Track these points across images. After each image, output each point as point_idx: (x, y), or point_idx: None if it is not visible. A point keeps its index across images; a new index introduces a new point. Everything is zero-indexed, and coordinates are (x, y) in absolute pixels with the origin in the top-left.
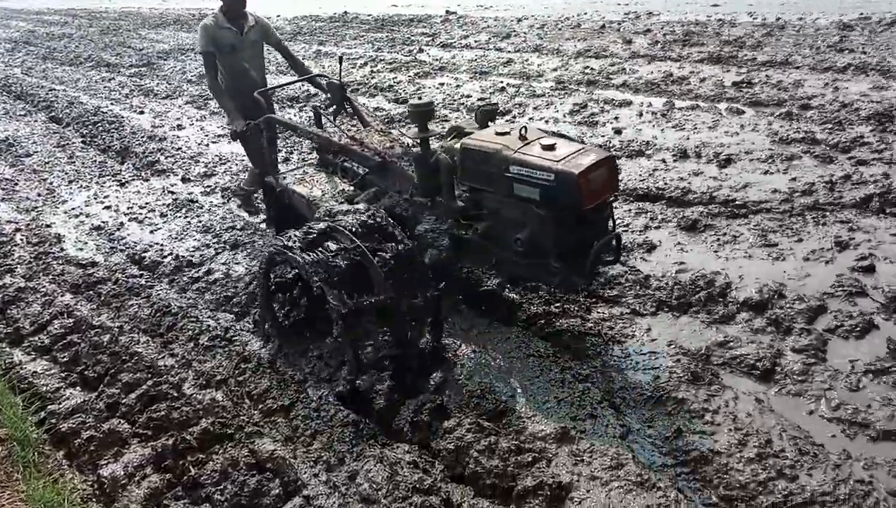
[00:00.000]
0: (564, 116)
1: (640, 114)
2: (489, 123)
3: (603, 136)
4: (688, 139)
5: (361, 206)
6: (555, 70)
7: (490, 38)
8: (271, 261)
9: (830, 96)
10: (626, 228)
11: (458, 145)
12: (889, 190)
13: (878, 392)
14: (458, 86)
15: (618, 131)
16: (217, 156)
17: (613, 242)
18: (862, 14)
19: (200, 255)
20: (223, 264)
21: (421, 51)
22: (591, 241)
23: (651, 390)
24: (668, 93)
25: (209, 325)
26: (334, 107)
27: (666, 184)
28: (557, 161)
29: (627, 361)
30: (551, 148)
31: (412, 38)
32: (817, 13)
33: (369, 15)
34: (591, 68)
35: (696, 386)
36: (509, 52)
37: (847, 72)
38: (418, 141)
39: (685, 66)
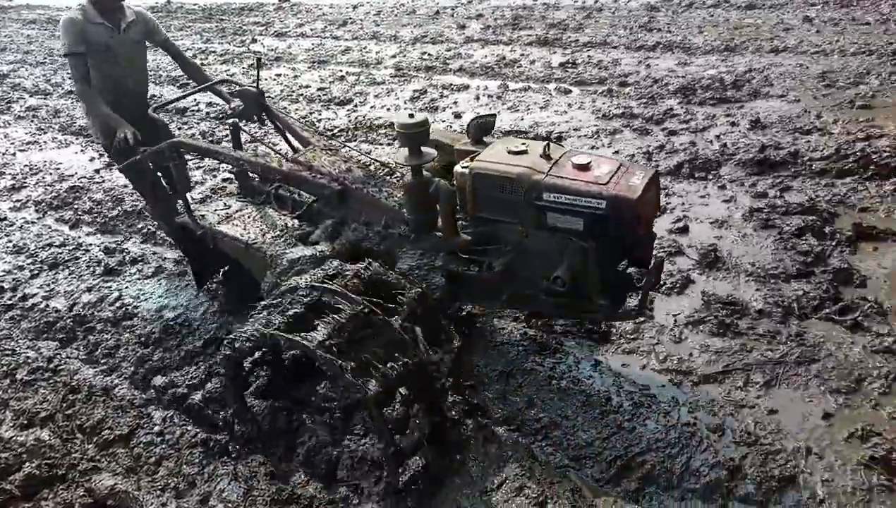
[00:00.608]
0: (405, 103)
1: (478, 98)
2: (483, 138)
3: (444, 121)
4: (522, 119)
5: (356, 267)
6: (393, 57)
7: (326, 26)
8: (243, 353)
9: (644, 73)
10: None
11: (462, 170)
12: (696, 156)
13: (696, 341)
14: (295, 76)
15: (457, 115)
16: (27, 166)
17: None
18: None
19: (13, 279)
20: (41, 287)
21: (254, 41)
22: (638, 267)
23: (503, 365)
24: (501, 75)
25: (28, 357)
26: (246, 121)
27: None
28: (605, 184)
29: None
30: (586, 168)
31: (244, 27)
32: None
33: (196, 4)
34: (429, 54)
35: (542, 355)
36: (347, 39)
37: (656, 50)
38: (409, 167)
39: (516, 49)
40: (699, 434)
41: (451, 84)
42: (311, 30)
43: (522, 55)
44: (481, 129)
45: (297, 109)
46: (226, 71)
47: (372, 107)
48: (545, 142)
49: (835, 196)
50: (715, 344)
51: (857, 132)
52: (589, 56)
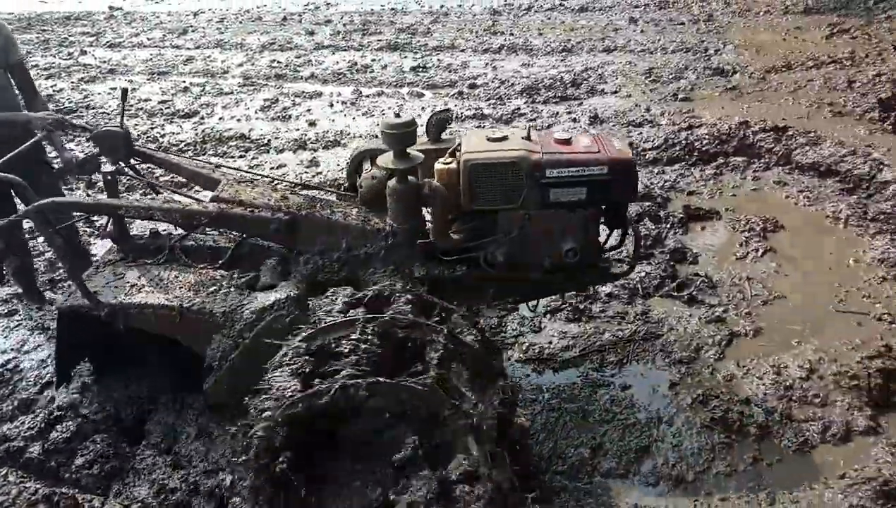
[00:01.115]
0: (256, 113)
1: (332, 105)
2: (441, 135)
3: (297, 130)
4: (377, 125)
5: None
6: (240, 65)
7: (165, 35)
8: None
9: (491, 75)
10: None
11: (447, 167)
12: None
13: (555, 329)
14: (133, 89)
15: (312, 123)
16: None
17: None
18: (506, 1)
19: None
20: None
21: (84, 53)
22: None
23: None
24: (354, 81)
25: None
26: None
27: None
28: (598, 152)
29: None
30: (570, 142)
31: (71, 38)
32: (472, 1)
33: (11, 13)
34: (278, 61)
35: None
36: (189, 48)
37: (502, 52)
38: (390, 172)
39: (367, 54)
40: (563, 418)
41: (304, 91)
42: (149, 39)
43: (374, 60)
44: (440, 126)
45: (135, 125)
46: (52, 87)
47: (220, 118)
48: (521, 127)
49: (666, 182)
50: (571, 330)
51: (680, 122)
52: (439, 59)
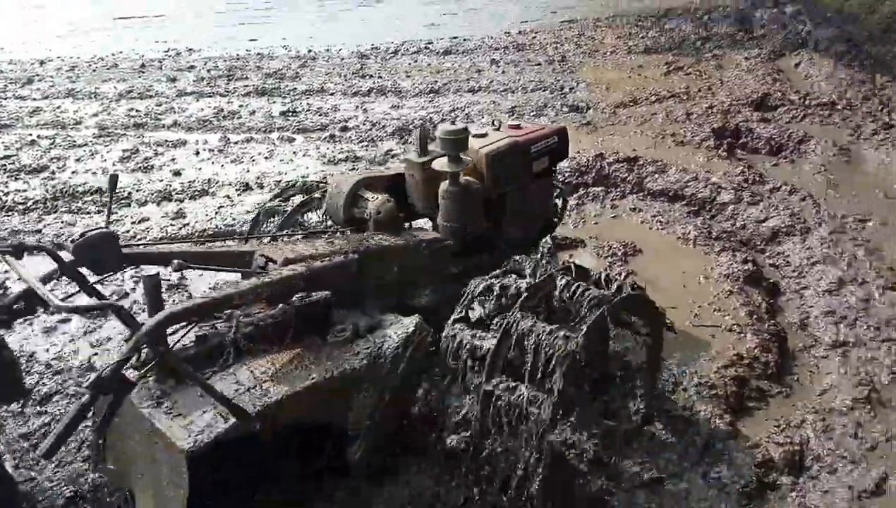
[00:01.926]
0: (114, 164)
1: (198, 153)
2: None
3: (161, 180)
4: (248, 171)
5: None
6: (95, 115)
7: (6, 85)
8: None
9: (362, 117)
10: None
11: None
12: None
13: None
14: None
15: (177, 173)
16: None
17: None
18: (373, 45)
19: None
20: None
21: None
22: None
23: None
24: (221, 128)
25: None
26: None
27: (234, 219)
28: (545, 128)
29: None
30: (520, 126)
31: None
32: (340, 45)
33: None
34: (137, 110)
35: None
36: (35, 99)
37: (371, 95)
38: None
39: (234, 100)
40: None
41: (166, 140)
42: None
43: (241, 106)
44: (426, 137)
45: None
46: None
47: (73, 172)
48: (492, 121)
49: None
50: None
51: None
52: (309, 103)
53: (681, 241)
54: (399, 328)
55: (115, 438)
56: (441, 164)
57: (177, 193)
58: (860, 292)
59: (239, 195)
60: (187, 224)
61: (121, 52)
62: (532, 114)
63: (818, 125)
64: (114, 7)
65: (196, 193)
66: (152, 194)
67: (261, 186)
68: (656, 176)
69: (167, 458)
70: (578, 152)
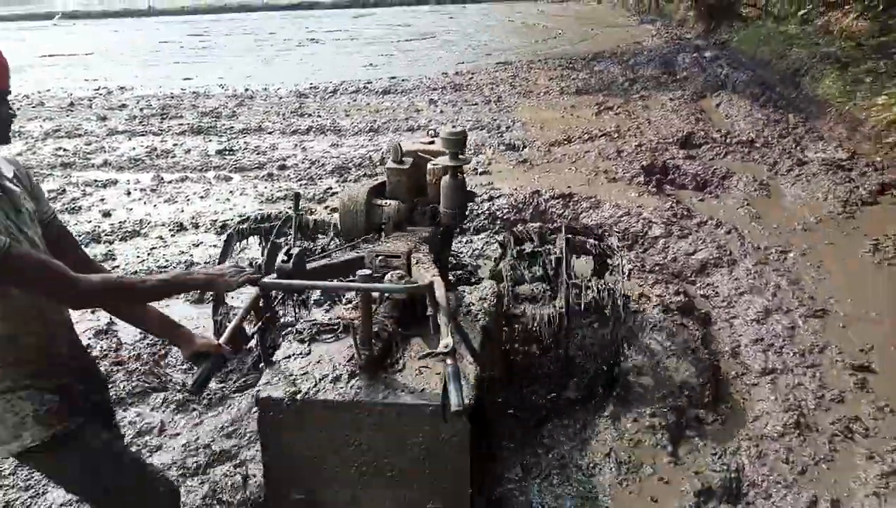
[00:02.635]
0: None
1: (129, 193)
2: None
3: (90, 221)
4: (182, 211)
5: None
6: (19, 155)
7: None
8: None
9: (301, 155)
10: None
11: (434, 167)
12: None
13: None
14: None
15: (106, 214)
16: None
17: None
18: (311, 84)
19: None
20: None
21: None
22: None
23: None
24: (155, 167)
25: None
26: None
27: (167, 260)
28: None
29: None
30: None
31: None
32: (278, 84)
33: None
34: (65, 149)
35: None
36: None
37: (310, 133)
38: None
39: (168, 138)
40: None
41: (96, 180)
42: None
43: (176, 144)
44: (399, 151)
45: None
46: None
47: None
48: (428, 132)
49: (474, 250)
50: None
51: (482, 194)
52: (246, 142)
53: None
54: (484, 290)
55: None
56: (444, 161)
57: (106, 234)
58: (785, 320)
59: (173, 236)
60: (118, 266)
61: (48, 91)
62: (470, 152)
63: (739, 162)
64: (40, 45)
65: (127, 234)
66: (79, 236)
67: (196, 226)
68: (591, 211)
69: (430, 433)
70: (516, 189)
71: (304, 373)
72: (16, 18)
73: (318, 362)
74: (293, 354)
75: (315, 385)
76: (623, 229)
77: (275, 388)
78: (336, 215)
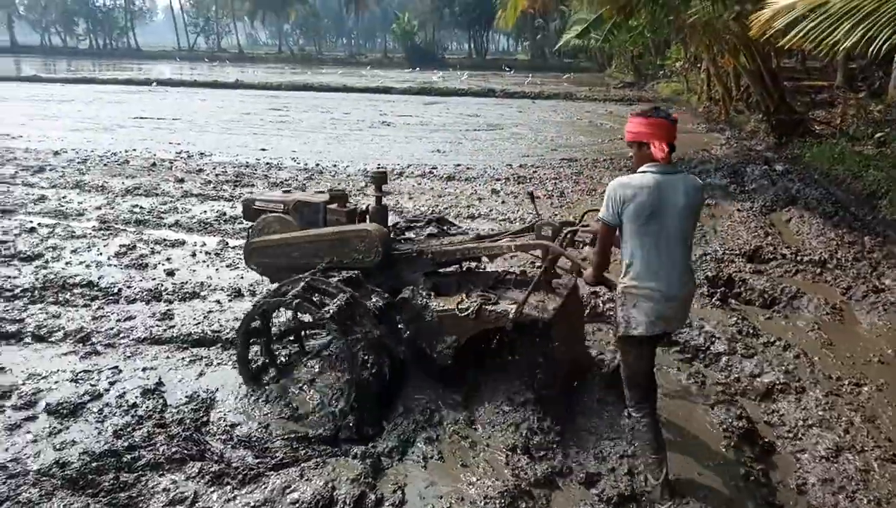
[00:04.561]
0: (109, 259)
1: (194, 254)
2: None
3: (154, 279)
4: (242, 278)
5: None
6: (98, 208)
7: (18, 172)
8: None
9: None
10: (180, 381)
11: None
12: None
13: None
14: None
15: (170, 273)
16: None
17: None
18: (379, 164)
19: None
20: None
21: None
22: None
23: None
24: (222, 232)
25: None
26: None
27: (221, 325)
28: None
29: None
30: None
31: None
32: (347, 161)
33: None
34: (141, 207)
35: None
36: (43, 187)
37: None
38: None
39: (238, 205)
40: None
41: (165, 239)
42: None
43: None
44: (381, 181)
45: None
46: None
47: (67, 263)
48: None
49: None
50: None
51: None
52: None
53: (674, 389)
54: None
55: None
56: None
57: (167, 293)
58: (858, 461)
59: (230, 301)
60: (173, 325)
61: (134, 150)
62: None
63: (810, 281)
64: (135, 108)
65: (187, 295)
66: (142, 292)
67: (252, 293)
68: None
69: None
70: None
71: None
72: (118, 83)
73: None
74: None
75: None
76: (683, 341)
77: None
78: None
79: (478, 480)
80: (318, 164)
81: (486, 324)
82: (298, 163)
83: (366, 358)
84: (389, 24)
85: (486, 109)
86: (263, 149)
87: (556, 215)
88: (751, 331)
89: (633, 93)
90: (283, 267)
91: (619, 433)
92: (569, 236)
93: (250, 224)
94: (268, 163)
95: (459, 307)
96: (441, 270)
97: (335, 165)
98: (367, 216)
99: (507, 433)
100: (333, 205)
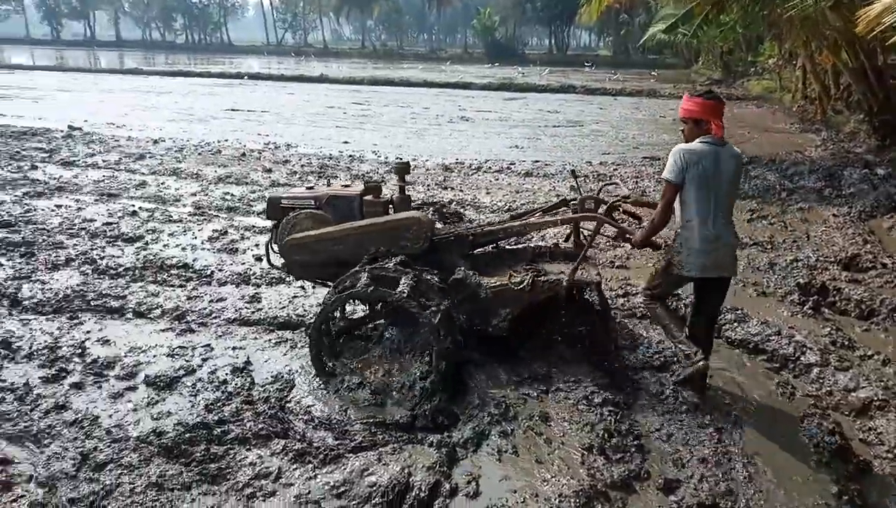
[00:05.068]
0: (203, 243)
1: None
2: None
3: (243, 264)
4: None
5: None
6: (193, 194)
7: (121, 158)
8: None
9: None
10: (266, 361)
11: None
12: None
13: None
14: (79, 208)
15: (259, 258)
16: None
17: None
18: (457, 159)
19: None
20: None
21: (34, 168)
22: None
23: None
24: None
25: None
26: None
27: (305, 310)
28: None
29: None
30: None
31: (23, 152)
32: (426, 155)
33: None
34: (232, 194)
35: None
36: (143, 173)
37: (451, 206)
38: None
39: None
40: None
41: (254, 226)
42: (104, 161)
43: None
44: (404, 171)
45: (75, 244)
46: None
47: (165, 245)
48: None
49: None
50: None
51: (617, 289)
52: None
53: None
54: None
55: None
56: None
57: (255, 278)
58: None
59: (313, 287)
60: (260, 308)
61: (226, 140)
62: (608, 244)
63: None
64: (227, 101)
65: (273, 280)
66: (232, 275)
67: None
68: (736, 324)
69: None
70: None
71: None
72: (211, 76)
73: None
74: None
75: None
76: (771, 350)
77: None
78: None
79: (552, 477)
80: (398, 158)
81: (541, 294)
82: (379, 157)
83: (442, 331)
84: (470, 19)
85: (566, 106)
86: (346, 142)
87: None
88: (846, 343)
89: (721, 90)
90: (322, 263)
91: (700, 440)
92: (607, 208)
93: (272, 223)
94: (350, 156)
95: (512, 281)
96: (473, 251)
97: (414, 159)
98: (391, 205)
99: (583, 432)
100: (368, 197)
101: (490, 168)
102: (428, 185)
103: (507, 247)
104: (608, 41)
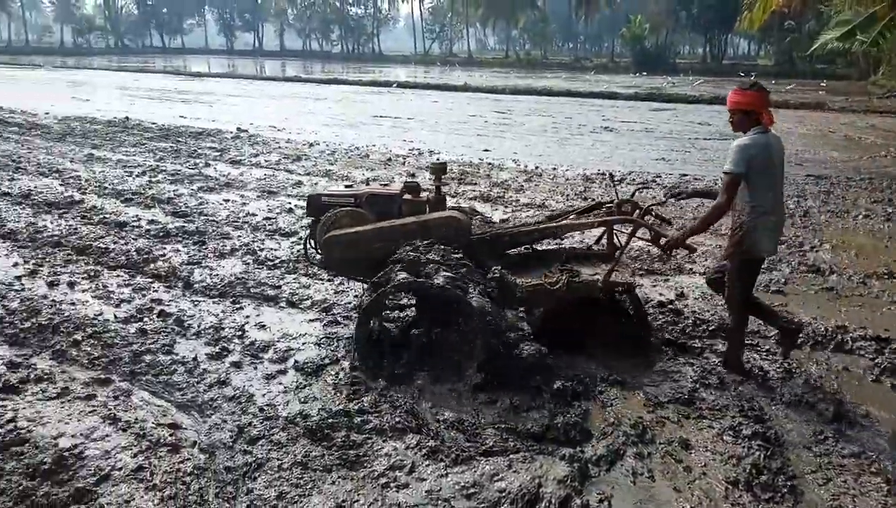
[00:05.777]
0: None
1: None
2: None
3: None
4: None
5: None
6: None
7: (281, 159)
8: None
9: (578, 236)
10: None
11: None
12: None
13: None
14: (243, 203)
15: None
16: None
17: None
18: (599, 170)
19: None
20: None
21: (207, 165)
22: None
23: None
24: None
25: None
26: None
27: None
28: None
29: None
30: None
31: (199, 151)
32: (567, 165)
33: (154, 123)
34: None
35: None
36: (299, 174)
37: None
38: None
39: (460, 201)
40: None
41: None
42: (266, 161)
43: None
44: (441, 171)
45: (239, 236)
46: (174, 191)
47: None
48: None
49: None
50: None
51: None
52: (527, 215)
53: None
54: None
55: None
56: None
57: None
58: None
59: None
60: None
61: (374, 146)
62: (764, 267)
63: None
64: (376, 108)
65: None
66: None
67: None
68: None
69: None
70: (815, 319)
71: None
72: (362, 84)
73: None
74: None
75: None
76: None
77: None
78: None
79: None
80: (537, 167)
81: (577, 293)
82: (519, 165)
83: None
84: (618, 28)
85: (718, 117)
86: (486, 150)
87: (798, 237)
88: None
89: None
90: (360, 259)
91: (866, 490)
92: (641, 212)
93: (310, 219)
94: (490, 164)
95: (547, 281)
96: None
97: (554, 169)
98: (427, 205)
99: (728, 465)
100: (408, 196)
101: (633, 180)
102: (567, 195)
103: (540, 248)
104: (769, 49)
